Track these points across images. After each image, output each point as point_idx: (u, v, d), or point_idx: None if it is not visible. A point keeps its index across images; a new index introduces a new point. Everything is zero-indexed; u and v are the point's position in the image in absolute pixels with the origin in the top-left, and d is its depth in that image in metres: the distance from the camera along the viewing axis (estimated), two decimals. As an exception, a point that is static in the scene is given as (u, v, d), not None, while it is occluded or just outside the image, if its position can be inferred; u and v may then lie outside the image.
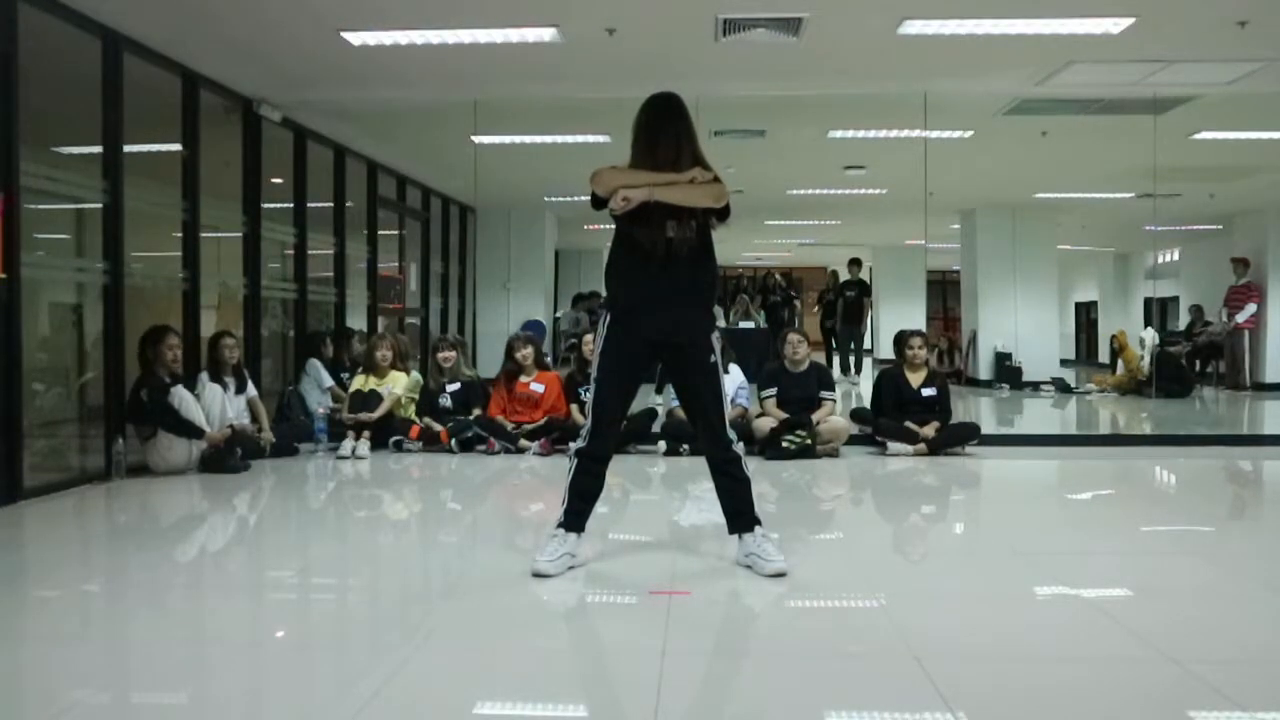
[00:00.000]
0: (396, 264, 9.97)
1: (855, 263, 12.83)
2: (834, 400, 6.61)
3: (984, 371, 12.27)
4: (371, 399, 6.61)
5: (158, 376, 5.54)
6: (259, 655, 2.74)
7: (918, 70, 6.47)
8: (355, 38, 5.73)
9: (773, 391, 6.52)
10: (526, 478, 5.88)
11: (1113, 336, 12.12)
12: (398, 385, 6.75)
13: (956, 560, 3.97)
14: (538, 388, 6.74)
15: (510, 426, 6.58)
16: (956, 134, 8.26)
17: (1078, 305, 18.25)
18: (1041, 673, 2.49)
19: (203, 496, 5.15)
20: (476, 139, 8.11)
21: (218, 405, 5.79)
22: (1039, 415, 9.99)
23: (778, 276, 16.84)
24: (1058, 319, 13.37)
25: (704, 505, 4.31)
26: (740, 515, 3.46)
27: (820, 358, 9.16)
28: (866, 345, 13.43)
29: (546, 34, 5.69)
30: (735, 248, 17.24)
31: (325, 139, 8.11)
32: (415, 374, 7.13)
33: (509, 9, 5.38)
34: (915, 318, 10.22)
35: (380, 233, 9.22)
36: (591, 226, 12.28)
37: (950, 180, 9.94)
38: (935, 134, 8.06)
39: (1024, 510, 5.07)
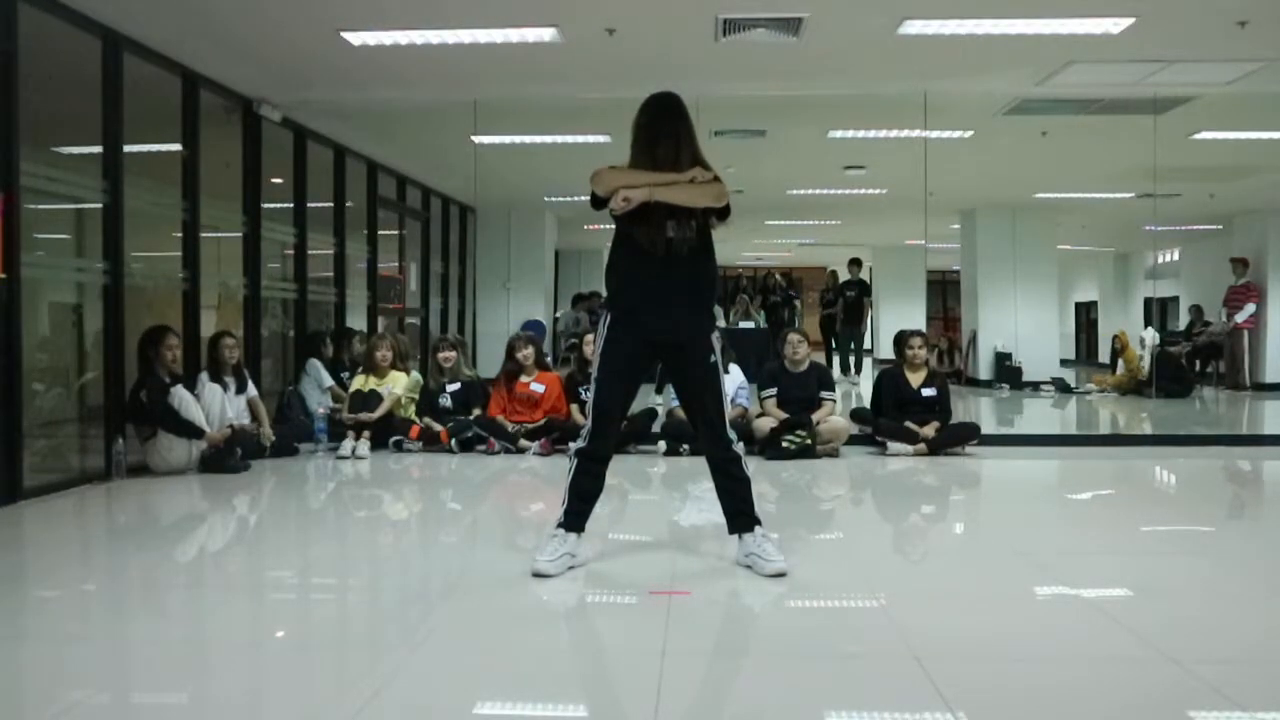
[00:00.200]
0: (396, 264, 9.97)
1: (855, 263, 12.83)
2: (834, 400, 6.61)
3: (984, 371, 12.27)
4: (371, 399, 6.61)
5: (158, 377, 5.53)
6: (259, 655, 2.74)
7: (918, 70, 6.47)
8: (355, 38, 5.73)
9: (773, 391, 6.52)
10: (526, 478, 5.88)
11: (1114, 336, 12.12)
12: (398, 385, 6.75)
13: (956, 560, 3.97)
14: (538, 388, 6.74)
15: (510, 426, 6.58)
16: (956, 134, 8.26)
17: (1078, 305, 18.25)
18: (1041, 673, 2.49)
19: (203, 496, 5.15)
20: (476, 139, 8.11)
21: (217, 405, 5.79)
22: (1039, 415, 9.99)
23: (778, 276, 16.85)
24: (1058, 319, 13.37)
25: (704, 505, 4.31)
26: (740, 515, 3.46)
27: (820, 358, 9.15)
28: (866, 345, 13.43)
29: (546, 34, 5.69)
30: (735, 248, 17.24)
31: (325, 139, 8.11)
32: (415, 374, 7.13)
33: (509, 9, 5.38)
34: (915, 318, 10.22)
35: (380, 233, 9.22)
36: (591, 226, 12.28)
37: (950, 180, 9.94)
38: (935, 134, 8.06)
39: (1024, 510, 5.07)
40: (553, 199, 11.61)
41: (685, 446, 6.24)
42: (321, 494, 5.44)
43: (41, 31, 4.85)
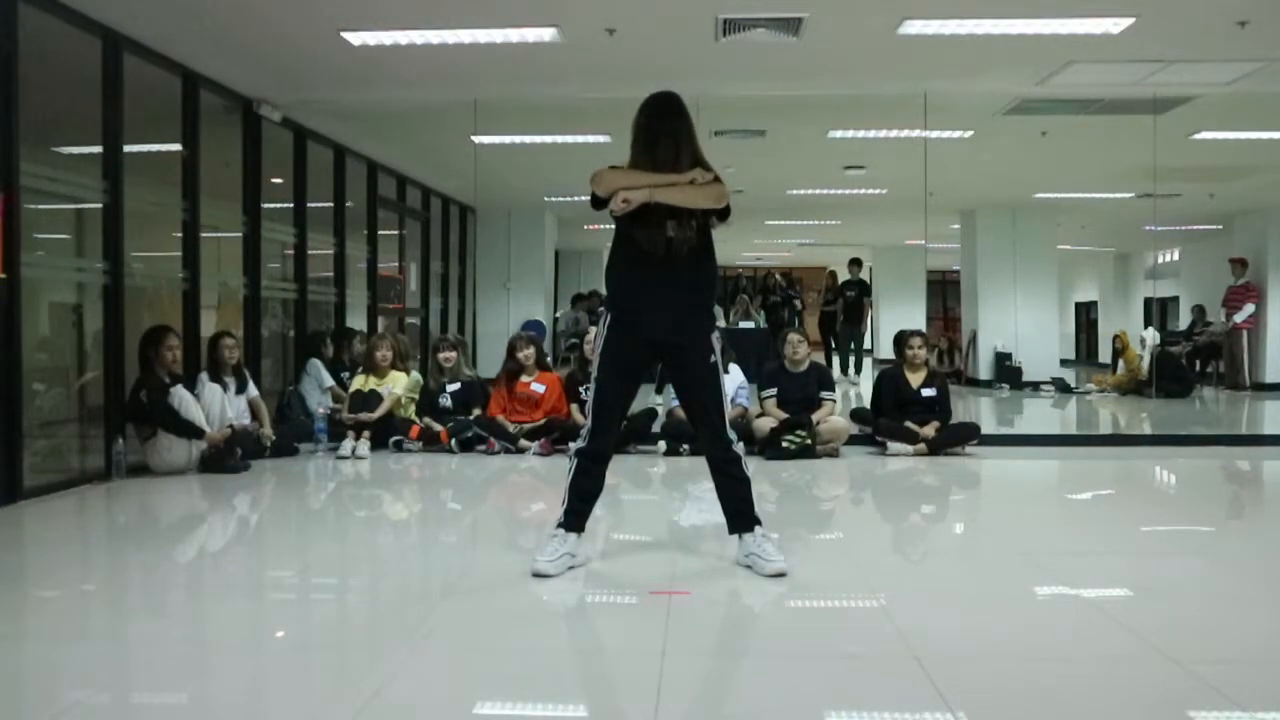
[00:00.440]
0: (396, 264, 9.97)
1: (855, 263, 12.83)
2: (834, 400, 6.61)
3: (984, 371, 12.27)
4: (371, 399, 6.61)
5: (157, 377, 5.54)
6: (259, 655, 2.74)
7: (918, 70, 6.47)
8: (355, 38, 5.73)
9: (773, 391, 6.52)
10: (526, 478, 5.88)
11: (1115, 336, 12.12)
12: (398, 385, 6.75)
13: (956, 560, 3.98)
14: (538, 388, 6.74)
15: (510, 426, 6.58)
16: (956, 134, 8.26)
17: (1078, 305, 18.26)
18: (1041, 673, 2.49)
19: (203, 496, 5.15)
20: (476, 139, 8.10)
21: (217, 405, 5.79)
22: (1039, 415, 9.99)
23: (778, 276, 16.85)
24: (1058, 319, 13.36)
25: (704, 505, 4.31)
26: (740, 515, 3.46)
27: (818, 357, 9.16)
28: (866, 345, 13.43)
29: (546, 34, 5.69)
30: (735, 248, 17.24)
31: (325, 139, 8.11)
32: (415, 374, 7.13)
33: (509, 9, 5.38)
34: (915, 318, 10.23)
35: (380, 233, 9.22)
36: (591, 226, 12.28)
37: (950, 180, 9.93)
38: (935, 134, 8.06)
39: (1024, 510, 5.07)
40: (553, 199, 11.60)
41: (685, 446, 6.24)
42: (321, 494, 5.44)
43: (41, 31, 4.85)
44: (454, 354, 6.91)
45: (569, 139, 8.47)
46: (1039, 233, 12.35)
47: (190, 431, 5.52)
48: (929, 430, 6.39)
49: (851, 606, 3.13)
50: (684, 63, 6.22)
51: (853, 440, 6.61)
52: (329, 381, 7.34)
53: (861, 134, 8.42)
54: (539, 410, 6.69)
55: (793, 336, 6.70)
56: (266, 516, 4.99)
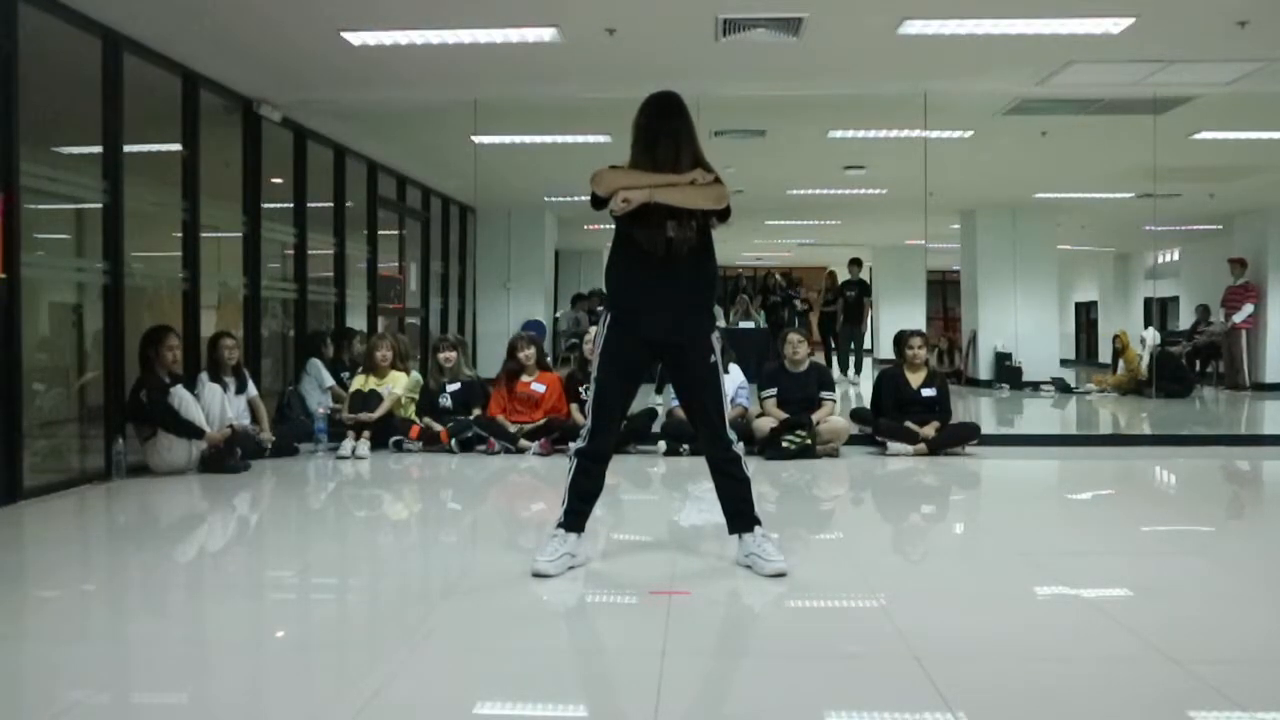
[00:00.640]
0: (396, 264, 9.97)
1: (855, 263, 12.83)
2: (834, 400, 6.61)
3: (984, 371, 12.27)
4: (371, 399, 6.61)
5: (158, 376, 5.54)
6: (259, 655, 2.74)
7: (918, 70, 6.47)
8: (355, 38, 5.73)
9: (773, 392, 6.52)
10: (526, 478, 5.88)
11: (1115, 336, 12.13)
12: (398, 385, 6.75)
13: (956, 560, 3.97)
14: (539, 388, 6.74)
15: (510, 426, 6.58)
16: (956, 134, 8.26)
17: (1078, 305, 18.25)
18: (1041, 673, 2.49)
19: (203, 496, 5.15)
20: (476, 139, 8.10)
21: (217, 405, 5.79)
22: (1039, 415, 9.99)
23: (778, 276, 16.84)
24: (1058, 319, 13.36)
25: (704, 505, 4.31)
26: (740, 515, 3.46)
27: (817, 357, 9.16)
28: (866, 345, 13.43)
29: (546, 34, 5.69)
30: (735, 248, 17.23)
31: (325, 139, 8.11)
32: (415, 374, 7.14)
33: (509, 9, 5.38)
34: (915, 318, 10.22)
35: (380, 233, 9.22)
36: (591, 226, 12.28)
37: (950, 180, 9.93)
38: (935, 134, 8.06)
39: (1024, 510, 5.07)
40: (553, 199, 11.60)
41: (685, 446, 6.24)
42: (321, 494, 5.44)
43: (41, 31, 4.85)
44: (454, 354, 6.91)
45: (569, 139, 8.46)
46: (1039, 233, 12.35)
47: (190, 431, 5.52)
48: (929, 430, 6.39)
49: (851, 606, 3.13)
50: (684, 63, 6.22)
51: (853, 440, 6.61)
52: (329, 381, 7.34)
53: (861, 134, 8.42)
54: (539, 410, 6.69)
55: (793, 336, 6.70)
56: (266, 516, 4.99)
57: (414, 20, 5.53)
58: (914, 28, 5.55)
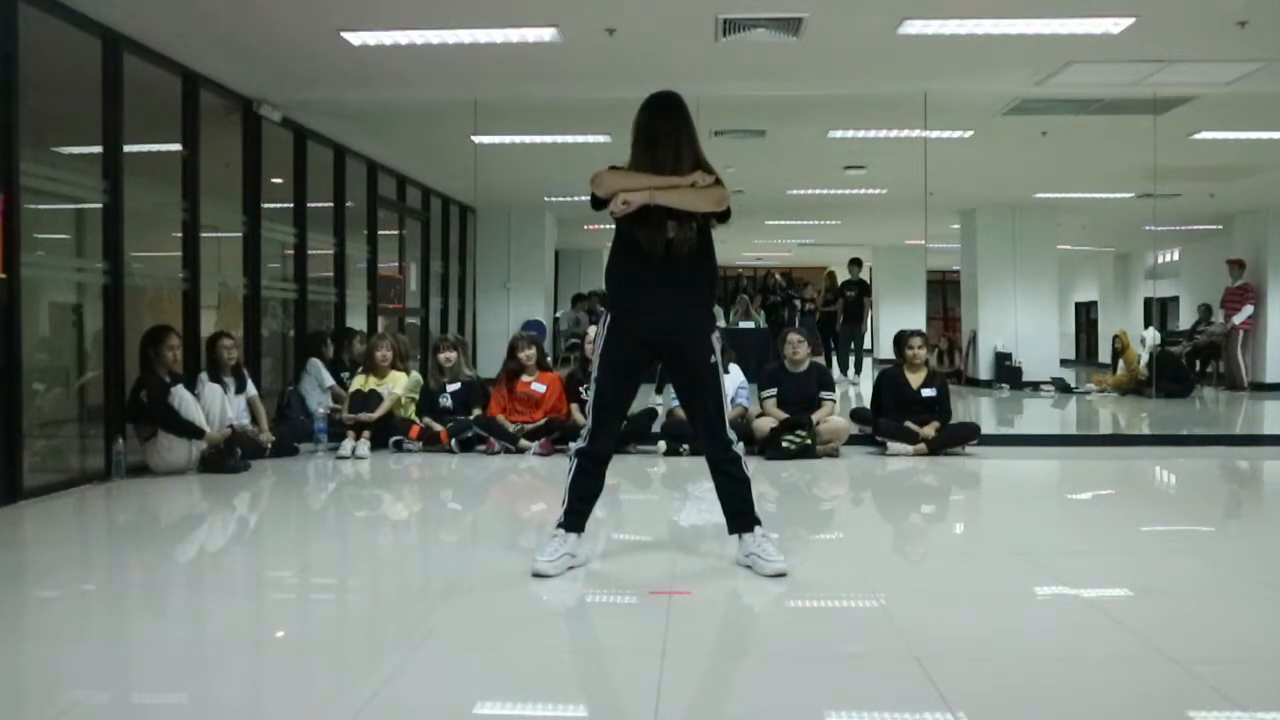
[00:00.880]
0: (396, 264, 9.97)
1: (855, 263, 12.83)
2: (834, 400, 6.61)
3: (984, 371, 12.27)
4: (371, 399, 6.61)
5: (158, 376, 5.54)
6: (259, 655, 2.74)
7: (918, 70, 6.47)
8: (355, 38, 5.73)
9: (773, 392, 6.52)
10: (526, 478, 5.88)
11: (1115, 336, 12.13)
12: (398, 385, 6.75)
13: (956, 560, 3.97)
14: (539, 388, 6.74)
15: (510, 426, 6.58)
16: (956, 134, 8.26)
17: (1078, 305, 18.26)
18: (1041, 673, 2.49)
19: (203, 496, 5.15)
20: (476, 139, 8.10)
21: (217, 405, 5.79)
22: (1039, 415, 9.99)
23: (778, 276, 16.83)
24: (1058, 319, 13.37)
25: (704, 505, 4.31)
26: (740, 515, 3.45)
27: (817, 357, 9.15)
28: (866, 345, 13.43)
29: (546, 34, 5.69)
30: (735, 248, 17.23)
31: (325, 139, 8.11)
32: (415, 374, 7.14)
33: (509, 9, 5.38)
34: (915, 318, 10.22)
35: (380, 233, 9.22)
36: (591, 226, 12.28)
37: (950, 180, 9.93)
38: (935, 134, 8.06)
39: (1024, 510, 5.07)
40: (553, 199, 11.60)
41: (685, 446, 6.24)
42: (321, 494, 5.44)
43: (41, 31, 4.85)
44: (454, 354, 6.91)
45: (569, 139, 8.46)
46: (1039, 233, 12.34)
47: (190, 431, 5.52)
48: (929, 430, 6.39)
49: (851, 606, 3.13)
50: (684, 63, 6.22)
51: (853, 440, 6.61)
52: (329, 381, 7.34)
53: (861, 134, 8.42)
54: (539, 410, 6.69)
55: (793, 336, 6.70)
56: (266, 516, 4.99)
57: (414, 20, 5.53)
58: (914, 28, 5.55)
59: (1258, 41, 5.71)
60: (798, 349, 6.60)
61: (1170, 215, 11.99)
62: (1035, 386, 11.69)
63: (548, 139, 8.57)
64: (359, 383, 6.81)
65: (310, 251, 7.83)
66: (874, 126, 8.20)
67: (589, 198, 3.40)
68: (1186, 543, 4.26)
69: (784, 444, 6.18)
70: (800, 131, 8.44)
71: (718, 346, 3.47)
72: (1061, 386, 11.75)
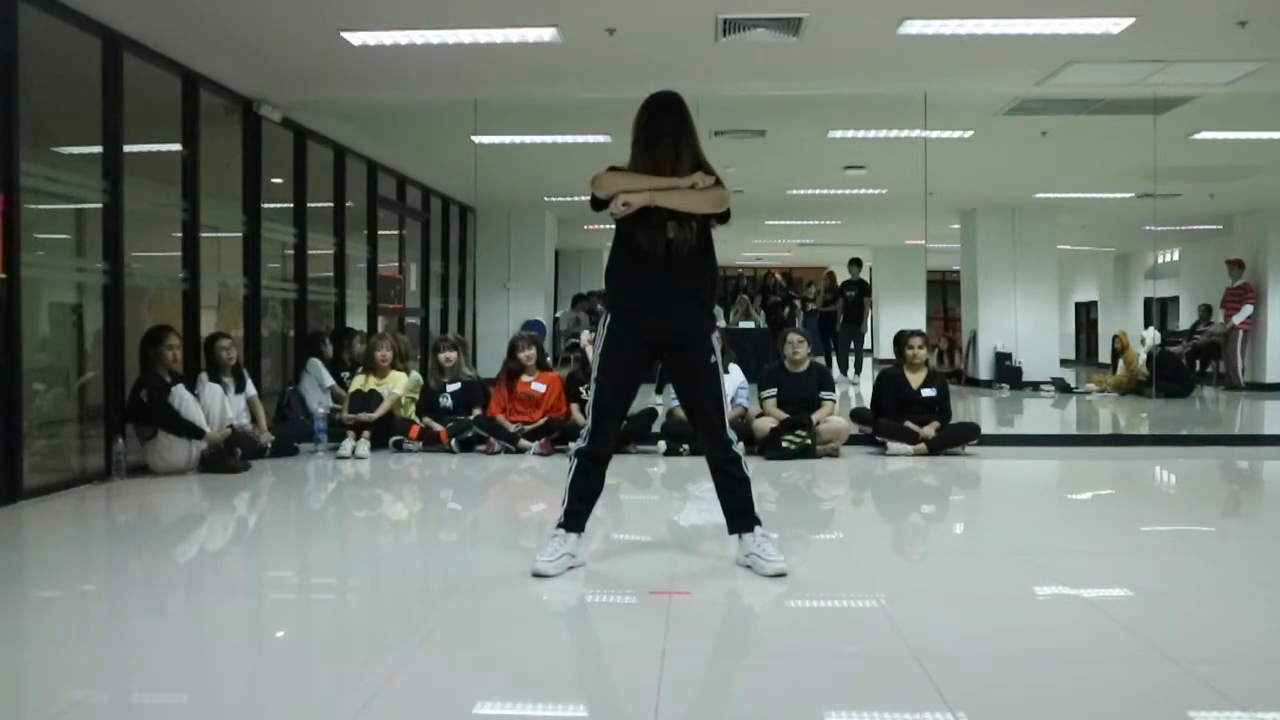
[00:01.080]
0: (396, 264, 9.97)
1: (855, 263, 12.83)
2: (834, 400, 6.61)
3: (984, 371, 12.27)
4: (371, 399, 6.61)
5: (158, 376, 5.54)
6: (259, 655, 2.74)
7: (918, 70, 6.46)
8: (355, 38, 5.73)
9: (773, 392, 6.52)
10: (526, 478, 5.88)
11: (1115, 336, 12.13)
12: (398, 385, 6.75)
13: (956, 560, 3.97)
14: (539, 387, 6.74)
15: (510, 426, 6.58)
16: (956, 134, 8.26)
17: (1078, 305, 18.25)
18: (1041, 673, 2.49)
19: (203, 496, 5.15)
20: (476, 139, 8.10)
21: (217, 405, 5.79)
22: (1039, 415, 9.99)
23: (778, 276, 16.83)
24: (1058, 319, 13.37)
25: (704, 505, 4.31)
26: (740, 515, 3.45)
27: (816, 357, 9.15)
28: (866, 345, 13.42)
29: (546, 34, 5.69)
30: (735, 248, 17.23)
31: (325, 139, 8.11)
32: (415, 374, 7.14)
33: (509, 9, 5.38)
34: (915, 318, 10.22)
35: (380, 233, 9.22)
36: (591, 226, 12.28)
37: (950, 180, 9.94)
38: (935, 134, 8.06)
39: (1024, 510, 5.07)
40: (553, 199, 11.60)
41: (685, 446, 6.24)
42: (321, 494, 5.44)
43: (41, 31, 4.84)
44: (454, 354, 6.91)
45: (569, 139, 8.46)
46: (1039, 233, 12.35)
47: (190, 431, 5.52)
48: (929, 430, 6.39)
49: (851, 606, 3.13)
50: (684, 63, 6.22)
51: (853, 440, 6.61)
52: (329, 381, 7.34)
53: (861, 134, 8.42)
54: (539, 410, 6.69)
55: (793, 336, 6.70)
56: (266, 516, 4.99)
57: (414, 20, 5.53)
58: (914, 28, 5.55)
59: (1258, 41, 5.71)
60: (798, 349, 6.60)
61: (1170, 215, 11.99)
62: (1035, 386, 11.69)
63: (548, 139, 8.57)
64: (359, 383, 6.81)
65: (310, 251, 7.83)
66: (874, 126, 8.20)
67: (589, 198, 3.40)
68: (1186, 543, 4.26)
69: (784, 444, 6.18)
70: (800, 131, 8.44)
71: (718, 346, 3.47)
72: (1061, 386, 11.75)
